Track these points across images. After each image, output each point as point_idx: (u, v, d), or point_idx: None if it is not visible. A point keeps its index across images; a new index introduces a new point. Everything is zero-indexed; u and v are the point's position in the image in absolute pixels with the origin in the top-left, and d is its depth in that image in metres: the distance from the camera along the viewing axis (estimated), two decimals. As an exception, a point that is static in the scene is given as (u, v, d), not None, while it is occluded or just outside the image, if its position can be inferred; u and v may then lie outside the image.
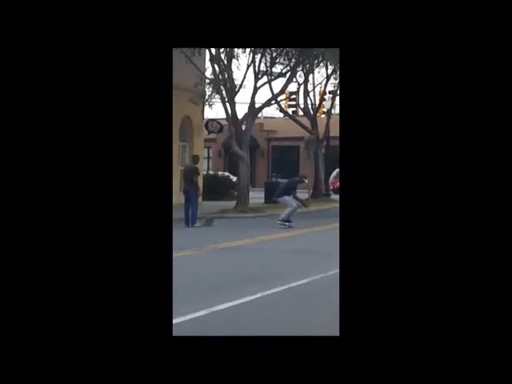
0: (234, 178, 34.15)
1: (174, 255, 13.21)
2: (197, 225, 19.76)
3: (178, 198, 22.76)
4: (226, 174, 40.09)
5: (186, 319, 7.80)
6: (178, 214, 21.43)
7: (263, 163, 53.93)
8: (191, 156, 23.55)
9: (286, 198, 19.40)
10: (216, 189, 33.12)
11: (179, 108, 29.28)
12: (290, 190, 19.66)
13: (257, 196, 32.65)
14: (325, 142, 35.83)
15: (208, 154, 47.28)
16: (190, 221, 19.97)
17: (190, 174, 20.53)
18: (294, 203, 19.31)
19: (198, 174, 20.73)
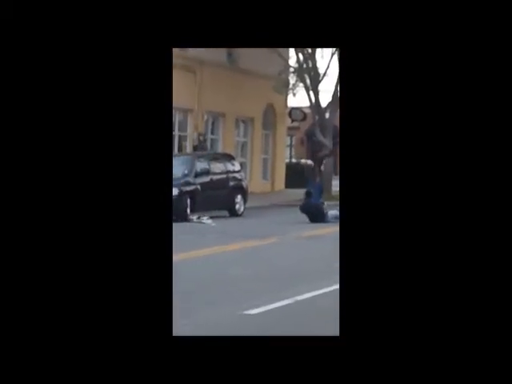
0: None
1: (259, 242, 13.32)
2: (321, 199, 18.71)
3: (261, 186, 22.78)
4: (309, 161, 39.95)
5: (270, 308, 7.82)
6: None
7: (346, 151, 53.48)
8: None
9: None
10: (299, 176, 33.13)
11: (263, 96, 29.41)
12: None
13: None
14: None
15: (290, 142, 47.19)
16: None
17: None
18: None
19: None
